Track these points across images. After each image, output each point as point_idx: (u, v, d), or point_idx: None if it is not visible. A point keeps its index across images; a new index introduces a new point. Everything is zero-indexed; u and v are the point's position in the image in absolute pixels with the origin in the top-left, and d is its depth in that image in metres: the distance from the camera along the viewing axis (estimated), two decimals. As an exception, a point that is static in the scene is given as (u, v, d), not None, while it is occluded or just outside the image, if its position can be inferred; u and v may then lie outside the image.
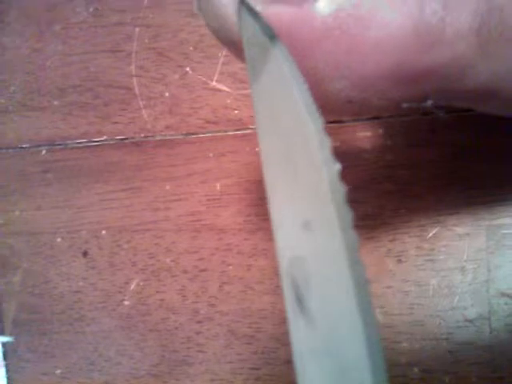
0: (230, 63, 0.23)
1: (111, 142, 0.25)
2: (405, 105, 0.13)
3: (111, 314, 0.24)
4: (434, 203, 0.20)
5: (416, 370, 0.20)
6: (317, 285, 0.09)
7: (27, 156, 0.26)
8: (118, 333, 0.24)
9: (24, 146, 0.26)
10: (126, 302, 0.24)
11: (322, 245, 0.09)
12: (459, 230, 0.20)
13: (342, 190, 0.09)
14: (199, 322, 0.23)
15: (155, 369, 0.23)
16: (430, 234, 0.20)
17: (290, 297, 0.09)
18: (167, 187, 0.24)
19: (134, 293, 0.24)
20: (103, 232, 0.24)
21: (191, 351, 0.23)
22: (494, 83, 0.12)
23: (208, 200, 0.23)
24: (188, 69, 0.24)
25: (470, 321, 0.20)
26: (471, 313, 0.20)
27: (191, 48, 0.24)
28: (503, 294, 0.19)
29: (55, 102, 0.25)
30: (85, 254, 0.25)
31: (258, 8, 0.10)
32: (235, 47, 0.11)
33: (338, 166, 0.09)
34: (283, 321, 0.21)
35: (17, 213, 0.26)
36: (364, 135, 0.21)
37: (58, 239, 0.25)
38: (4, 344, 0.26)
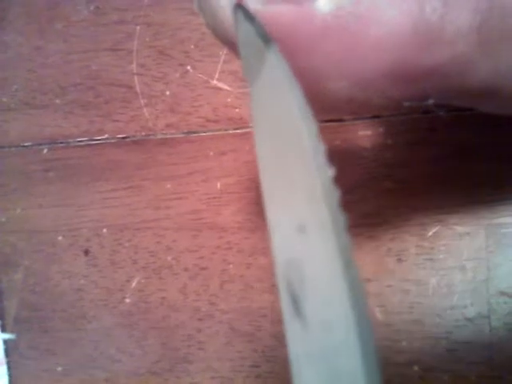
0: (231, 62, 0.23)
1: (112, 141, 0.25)
2: (406, 104, 0.13)
3: (112, 311, 0.24)
4: (434, 202, 0.20)
5: (415, 368, 0.20)
6: (311, 288, 0.09)
7: (29, 154, 0.26)
8: (118, 330, 0.24)
9: (26, 144, 0.26)
10: (127, 300, 0.24)
11: (316, 248, 0.09)
12: (459, 228, 0.20)
13: (335, 194, 0.09)
14: (200, 319, 0.23)
15: (156, 366, 0.24)
16: (430, 233, 0.20)
17: (286, 300, 0.09)
18: (168, 186, 0.24)
19: (135, 291, 0.24)
20: (104, 230, 0.24)
21: (192, 349, 0.23)
22: (495, 81, 0.12)
23: (208, 198, 0.23)
24: (189, 67, 0.24)
25: (470, 319, 0.20)
26: (471, 311, 0.20)
27: (192, 46, 0.24)
28: (503, 293, 0.19)
29: (57, 101, 0.25)
30: (86, 252, 0.25)
31: (258, 7, 0.10)
32: (234, 47, 0.11)
33: (331, 171, 0.09)
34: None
35: (18, 211, 0.26)
36: (364, 134, 0.21)
37: (60, 237, 0.25)
38: (5, 341, 0.26)
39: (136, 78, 0.24)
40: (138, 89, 0.24)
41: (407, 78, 0.11)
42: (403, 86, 0.11)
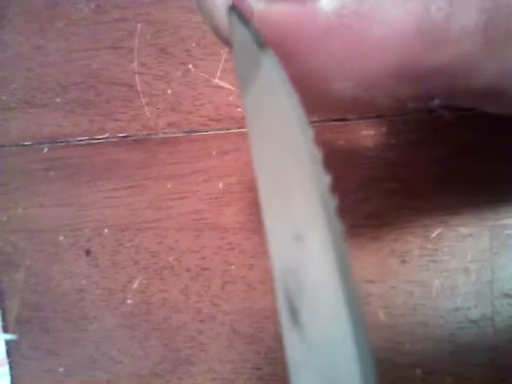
0: (233, 60, 0.23)
1: (113, 140, 0.25)
2: (411, 104, 0.12)
3: (114, 312, 0.24)
4: (438, 203, 0.20)
5: (419, 370, 0.20)
6: (308, 297, 0.09)
7: (29, 153, 0.26)
8: (120, 331, 0.24)
9: (26, 143, 0.26)
10: (129, 301, 0.24)
11: (313, 256, 0.09)
12: (463, 230, 0.20)
13: (332, 202, 0.09)
14: (202, 321, 0.23)
15: (157, 367, 0.23)
16: (434, 234, 0.20)
17: (284, 308, 0.09)
18: (169, 185, 0.24)
19: (136, 291, 0.24)
20: (105, 230, 0.24)
21: (193, 350, 0.23)
22: (500, 81, 0.11)
23: (210, 198, 0.23)
24: (190, 66, 0.24)
25: (474, 321, 0.19)
26: (474, 313, 0.19)
27: (193, 45, 0.24)
28: (507, 295, 0.19)
29: (57, 99, 0.25)
30: (87, 252, 0.25)
31: (261, 6, 0.10)
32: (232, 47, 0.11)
33: (328, 178, 0.09)
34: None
35: (19, 210, 0.26)
36: (368, 134, 0.21)
37: (61, 237, 0.25)
38: (7, 342, 0.26)
39: (137, 76, 0.24)
40: (139, 87, 0.24)
41: (412, 77, 0.11)
42: (408, 86, 0.11)
